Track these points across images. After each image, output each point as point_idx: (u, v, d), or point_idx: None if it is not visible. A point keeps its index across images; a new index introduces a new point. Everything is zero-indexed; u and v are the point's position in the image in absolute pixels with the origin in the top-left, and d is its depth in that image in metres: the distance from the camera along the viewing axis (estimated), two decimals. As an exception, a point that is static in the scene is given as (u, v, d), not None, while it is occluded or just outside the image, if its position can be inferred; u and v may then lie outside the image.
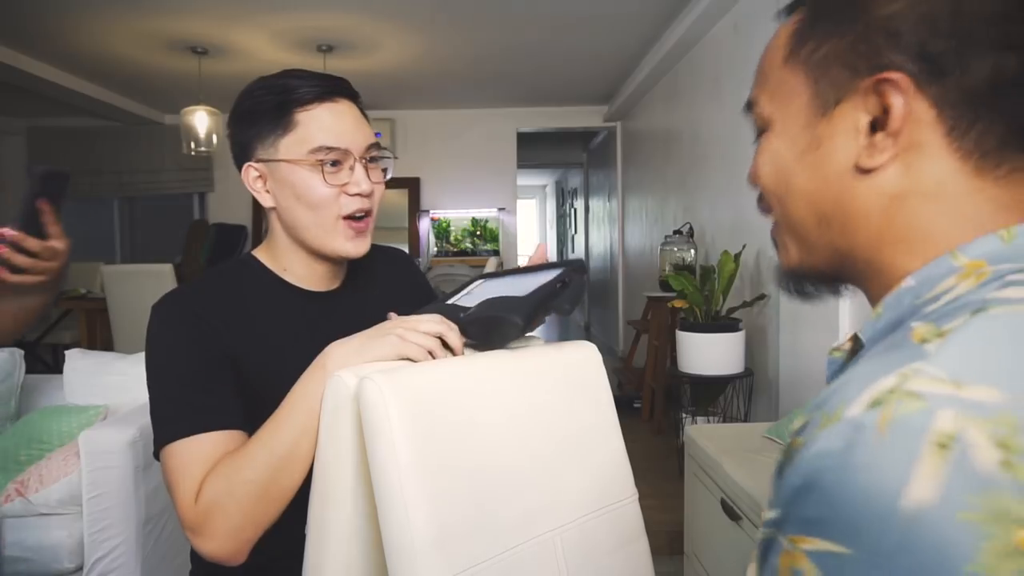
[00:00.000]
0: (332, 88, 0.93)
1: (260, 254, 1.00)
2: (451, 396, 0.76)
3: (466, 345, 0.85)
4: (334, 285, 1.01)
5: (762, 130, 0.54)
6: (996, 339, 0.36)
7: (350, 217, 0.92)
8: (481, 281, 1.00)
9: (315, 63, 3.99)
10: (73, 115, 5.23)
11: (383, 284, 1.07)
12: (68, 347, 2.76)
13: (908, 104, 0.44)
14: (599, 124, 5.88)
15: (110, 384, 2.19)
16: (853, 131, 0.47)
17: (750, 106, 0.55)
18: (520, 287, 0.89)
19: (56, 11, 3.29)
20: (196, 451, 0.82)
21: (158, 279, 3.74)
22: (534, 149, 6.94)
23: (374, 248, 1.08)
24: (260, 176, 0.95)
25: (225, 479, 0.80)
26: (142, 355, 2.40)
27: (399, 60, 4.19)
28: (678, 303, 2.71)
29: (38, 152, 5.51)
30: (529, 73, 4.59)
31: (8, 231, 0.92)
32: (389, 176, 0.98)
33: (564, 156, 8.01)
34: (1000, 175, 0.44)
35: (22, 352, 2.29)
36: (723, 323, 2.58)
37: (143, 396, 2.19)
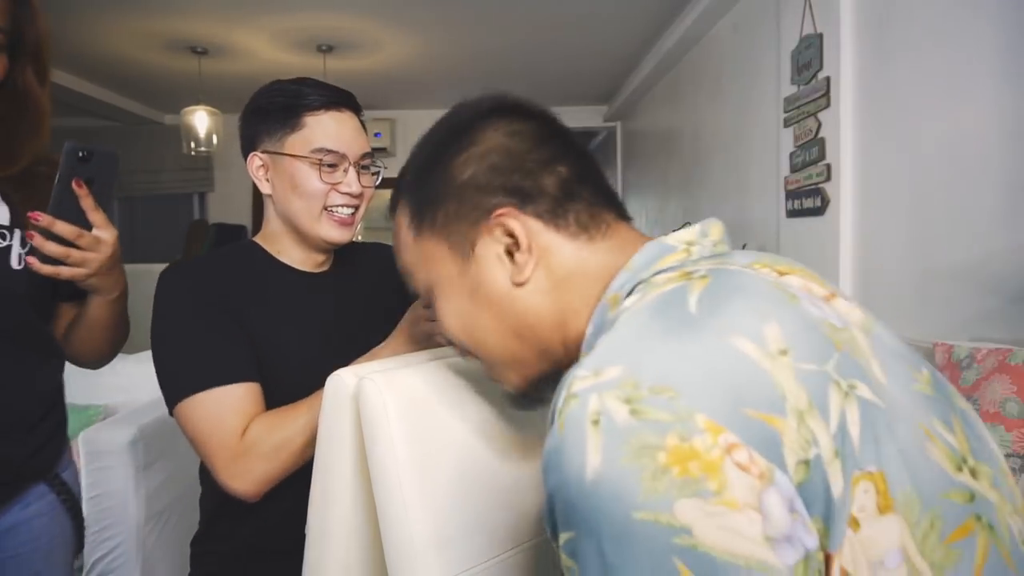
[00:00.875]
0: (339, 99, 1.05)
1: (258, 239, 1.11)
2: (450, 396, 0.76)
3: None
4: (323, 268, 1.13)
5: (431, 300, 0.64)
6: (619, 334, 0.48)
7: (334, 210, 1.04)
8: None
9: (315, 63, 3.99)
10: (73, 115, 5.23)
11: (364, 270, 1.19)
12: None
13: (523, 224, 0.57)
14: (599, 124, 5.87)
15: (110, 384, 2.19)
16: (497, 260, 0.59)
17: (412, 284, 0.66)
18: None
19: (56, 11, 3.28)
20: (229, 399, 0.92)
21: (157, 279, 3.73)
22: (534, 149, 6.92)
23: (358, 244, 1.24)
24: (263, 165, 1.05)
25: (268, 430, 0.91)
26: (142, 355, 2.39)
27: (399, 60, 4.19)
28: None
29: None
30: (529, 73, 4.59)
31: (38, 215, 0.83)
32: (379, 181, 1.10)
33: (564, 156, 7.99)
34: (605, 231, 0.60)
35: (22, 352, 2.28)
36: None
37: (143, 396, 2.19)
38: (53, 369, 1.01)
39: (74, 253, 0.86)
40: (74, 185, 0.84)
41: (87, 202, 0.85)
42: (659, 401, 0.41)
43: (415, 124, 5.61)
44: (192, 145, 4.19)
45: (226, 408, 0.92)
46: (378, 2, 3.28)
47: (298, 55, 3.99)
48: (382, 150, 5.52)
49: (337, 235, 1.05)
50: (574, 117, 5.82)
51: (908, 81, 1.80)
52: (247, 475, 0.90)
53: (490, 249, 0.59)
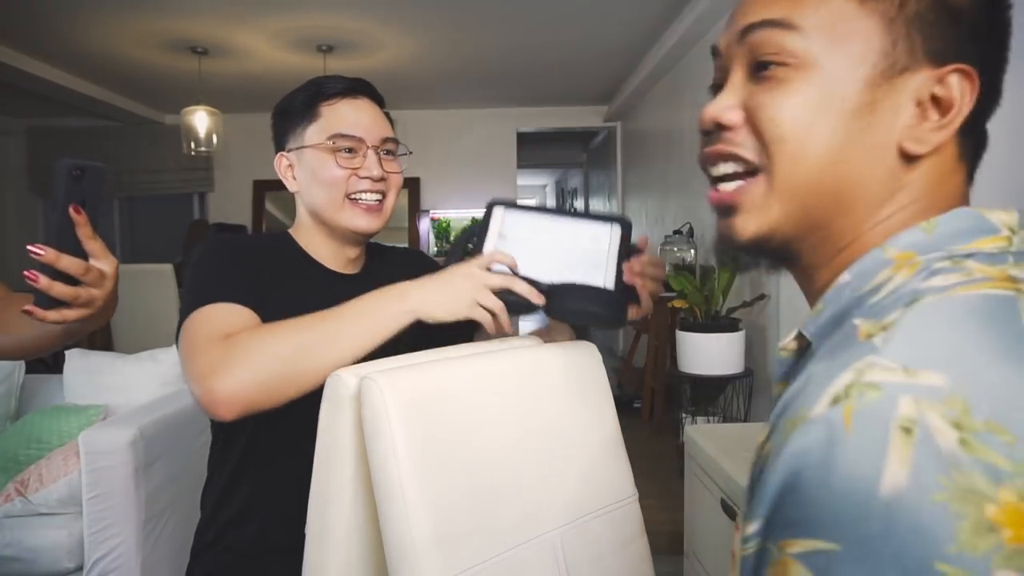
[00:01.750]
0: (355, 87, 1.04)
1: (292, 231, 1.09)
2: (451, 396, 0.76)
3: (531, 312, 0.90)
4: (354, 270, 1.09)
5: (782, 64, 0.46)
6: (932, 327, 0.37)
7: (358, 197, 1.01)
8: (502, 210, 0.97)
9: (315, 63, 3.99)
10: (73, 115, 5.23)
11: (396, 279, 1.08)
12: (68, 347, 2.75)
13: (972, 97, 0.44)
14: (599, 124, 5.88)
15: (110, 384, 2.19)
16: (907, 108, 0.45)
17: (769, 25, 0.47)
18: (584, 255, 0.92)
19: (56, 11, 3.29)
20: (226, 312, 0.88)
21: (158, 279, 3.73)
22: (534, 149, 6.93)
23: (393, 249, 1.21)
24: (290, 165, 1.05)
25: (257, 338, 0.83)
26: (142, 355, 2.39)
27: (399, 60, 4.19)
28: (678, 303, 2.71)
29: (38, 152, 5.51)
30: (529, 73, 4.59)
31: (39, 248, 0.68)
32: (404, 167, 1.08)
33: (564, 156, 8.00)
34: (959, 186, 0.47)
35: (22, 352, 2.29)
36: (723, 323, 2.58)
37: (143, 396, 2.19)
38: None
39: (81, 292, 0.71)
40: (72, 211, 0.70)
41: (85, 230, 0.71)
42: (996, 442, 0.33)
43: (415, 124, 5.61)
44: (192, 145, 4.19)
45: (221, 318, 0.87)
46: (378, 2, 3.29)
47: (298, 55, 3.99)
48: (382, 150, 5.52)
49: (364, 223, 1.02)
50: (574, 117, 5.83)
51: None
52: (226, 379, 0.79)
53: (912, 91, 0.45)
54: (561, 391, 0.88)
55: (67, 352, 2.27)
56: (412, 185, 5.76)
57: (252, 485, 1.00)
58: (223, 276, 0.93)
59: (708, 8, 3.08)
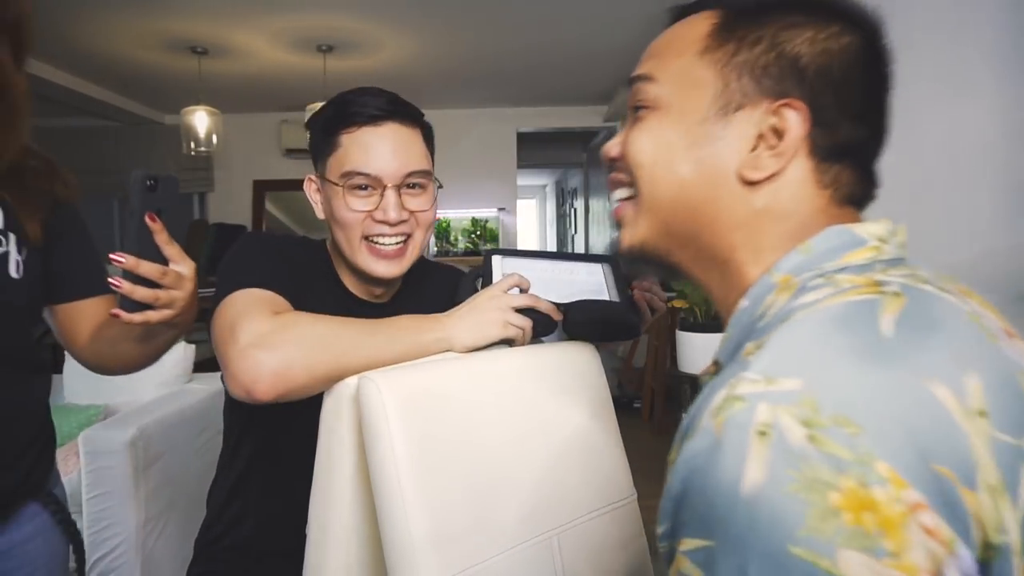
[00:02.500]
0: (381, 111, 0.92)
1: (330, 247, 1.03)
2: (450, 396, 0.76)
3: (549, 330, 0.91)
4: (383, 299, 1.03)
5: (646, 107, 0.56)
6: (797, 339, 0.42)
7: (375, 241, 0.93)
8: (499, 258, 1.00)
9: (315, 63, 3.99)
10: (73, 115, 5.23)
11: (430, 305, 0.98)
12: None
13: (800, 131, 0.50)
14: (599, 124, 5.87)
15: (110, 384, 2.19)
16: (744, 140, 0.52)
17: (638, 80, 0.57)
18: (585, 285, 0.97)
19: (56, 11, 3.29)
20: (270, 296, 0.83)
21: (158, 279, 3.73)
22: (534, 149, 6.93)
23: (432, 267, 1.11)
24: (318, 189, 0.98)
25: (310, 321, 0.79)
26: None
27: (399, 60, 4.19)
28: (678, 303, 2.71)
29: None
30: (528, 73, 4.59)
31: (120, 256, 0.73)
32: (434, 202, 0.98)
33: (564, 156, 8.00)
34: (841, 211, 0.53)
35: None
36: (723, 323, 2.58)
37: (143, 396, 2.19)
38: (43, 384, 0.95)
39: (161, 295, 0.77)
40: (147, 219, 0.75)
41: (162, 236, 0.76)
42: (840, 435, 0.37)
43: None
44: (192, 145, 4.19)
45: (267, 298, 0.83)
46: (378, 2, 3.28)
47: (298, 55, 3.99)
48: (382, 150, 5.52)
49: (381, 269, 0.94)
50: (574, 117, 5.83)
51: (907, 80, 1.80)
52: (274, 353, 0.74)
53: (749, 123, 0.52)
54: (560, 391, 0.88)
55: (67, 352, 2.27)
56: (412, 185, 5.75)
57: (260, 486, 1.00)
58: (266, 268, 0.89)
59: (708, 8, 3.07)
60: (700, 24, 0.55)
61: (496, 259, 0.99)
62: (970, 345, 0.42)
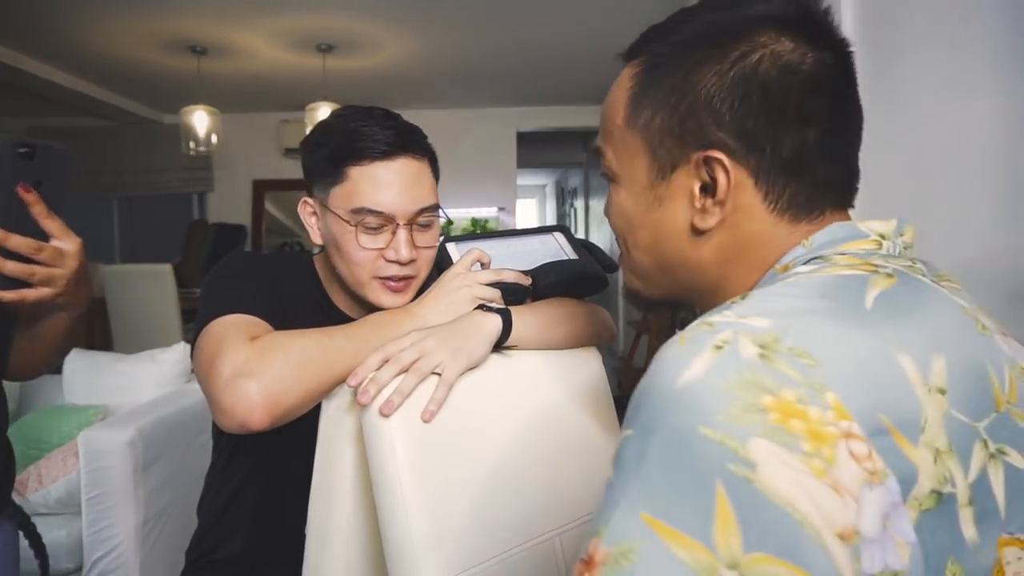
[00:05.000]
0: (392, 146, 0.88)
1: (317, 263, 1.00)
2: (450, 397, 0.76)
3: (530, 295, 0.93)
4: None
5: (609, 179, 0.59)
6: (777, 294, 0.45)
7: (386, 278, 0.91)
8: (453, 245, 1.01)
9: (315, 63, 3.99)
10: (73, 115, 5.23)
11: None
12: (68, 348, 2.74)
13: (730, 177, 0.50)
14: (599, 124, 5.87)
15: (109, 384, 2.19)
16: (688, 196, 0.53)
17: (596, 153, 0.60)
18: (543, 252, 0.99)
19: (56, 11, 3.28)
20: (248, 321, 0.81)
21: (158, 279, 3.73)
22: (534, 149, 6.93)
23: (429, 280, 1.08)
24: (314, 213, 0.94)
25: (288, 339, 0.78)
26: (142, 355, 2.39)
27: (399, 60, 4.19)
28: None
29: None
30: (528, 73, 4.59)
31: None
32: (439, 237, 0.97)
33: (564, 156, 8.00)
34: (814, 218, 0.52)
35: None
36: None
37: (143, 396, 2.19)
38: (2, 396, 0.91)
39: (38, 270, 0.72)
40: (20, 190, 0.70)
41: (38, 209, 0.71)
42: (794, 361, 0.38)
43: (415, 123, 5.60)
44: (192, 145, 4.19)
45: (244, 325, 0.80)
46: (378, 2, 3.28)
47: (298, 55, 3.99)
48: (382, 150, 5.51)
49: (388, 301, 0.91)
50: (574, 117, 5.83)
51: (908, 81, 1.80)
52: (262, 379, 0.72)
53: (687, 181, 0.53)
54: (561, 391, 0.88)
55: (66, 352, 2.27)
56: (412, 185, 5.75)
57: (254, 499, 0.98)
58: (244, 290, 0.87)
59: (708, 8, 3.07)
60: (624, 85, 0.57)
61: (451, 246, 1.00)
62: (950, 331, 0.44)
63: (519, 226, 6.11)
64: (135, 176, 5.60)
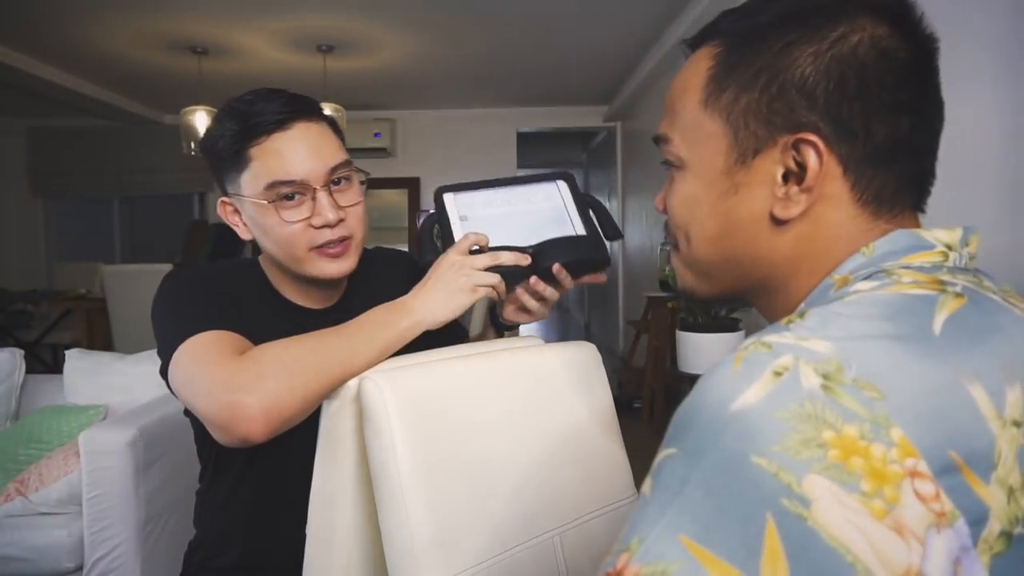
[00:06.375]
0: (283, 115, 0.86)
1: (262, 263, 0.99)
2: (451, 396, 0.76)
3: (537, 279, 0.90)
4: (330, 302, 1.00)
5: (673, 166, 0.56)
6: (838, 313, 0.42)
7: (323, 246, 0.89)
8: (451, 196, 0.95)
9: (315, 63, 3.99)
10: (73, 115, 5.23)
11: (380, 295, 0.94)
12: (68, 347, 2.75)
13: (823, 163, 0.48)
14: (599, 124, 5.88)
15: (110, 384, 2.19)
16: (770, 182, 0.50)
17: (660, 141, 0.57)
18: (547, 214, 0.94)
19: (56, 11, 3.29)
20: (223, 336, 0.79)
21: (158, 279, 3.68)
22: (534, 149, 6.93)
23: (375, 256, 1.07)
24: (235, 211, 0.92)
25: (279, 348, 0.76)
26: (142, 355, 2.39)
27: (399, 60, 4.19)
28: (678, 303, 2.71)
29: (38, 152, 5.51)
30: (528, 73, 4.59)
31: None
32: (364, 190, 0.94)
33: (564, 156, 8.00)
34: (894, 215, 0.50)
35: (22, 352, 2.29)
36: (723, 323, 2.58)
37: (143, 396, 2.19)
38: None
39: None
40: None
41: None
42: (859, 394, 0.36)
43: (415, 124, 5.62)
44: (192, 145, 4.19)
45: (221, 340, 0.78)
46: (378, 2, 3.28)
47: (298, 55, 3.99)
48: (382, 150, 5.52)
49: (333, 269, 0.90)
50: (574, 117, 5.83)
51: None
52: (256, 391, 0.71)
53: (770, 167, 0.50)
54: (561, 391, 0.88)
55: (67, 352, 2.27)
56: (412, 185, 5.76)
57: (250, 506, 0.98)
58: (202, 308, 0.84)
59: (708, 8, 3.08)
60: (700, 67, 0.53)
61: (448, 197, 0.94)
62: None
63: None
64: (135, 176, 5.60)
